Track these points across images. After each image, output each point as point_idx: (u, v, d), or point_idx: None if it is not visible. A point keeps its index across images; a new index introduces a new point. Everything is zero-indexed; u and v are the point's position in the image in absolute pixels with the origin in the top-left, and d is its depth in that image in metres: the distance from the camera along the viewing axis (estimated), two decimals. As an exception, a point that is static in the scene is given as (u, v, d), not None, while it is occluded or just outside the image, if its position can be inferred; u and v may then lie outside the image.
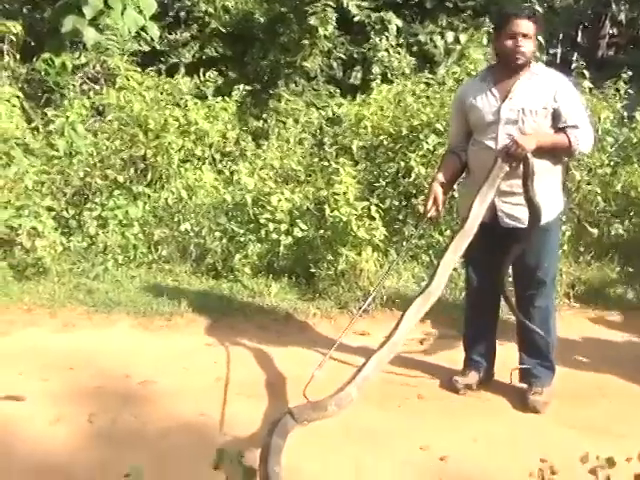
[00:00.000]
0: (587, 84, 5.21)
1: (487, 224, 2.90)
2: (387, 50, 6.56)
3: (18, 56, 6.46)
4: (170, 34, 8.09)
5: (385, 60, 6.51)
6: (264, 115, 6.61)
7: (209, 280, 4.53)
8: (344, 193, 4.36)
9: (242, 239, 4.58)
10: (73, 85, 6.20)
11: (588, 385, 3.30)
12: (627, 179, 5.09)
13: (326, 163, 5.10)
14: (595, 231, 4.91)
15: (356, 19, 7.57)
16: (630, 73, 5.47)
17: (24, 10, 8.18)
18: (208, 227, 4.73)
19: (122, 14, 6.99)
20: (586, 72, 5.28)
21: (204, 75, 6.30)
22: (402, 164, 4.90)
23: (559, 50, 10.47)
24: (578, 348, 3.76)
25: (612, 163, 5.24)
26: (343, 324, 3.71)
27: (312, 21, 7.07)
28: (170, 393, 3.06)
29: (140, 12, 7.22)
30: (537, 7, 6.06)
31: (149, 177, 5.15)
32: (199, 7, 8.07)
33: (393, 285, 4.39)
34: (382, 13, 7.52)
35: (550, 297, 3.14)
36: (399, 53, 6.49)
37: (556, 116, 2.87)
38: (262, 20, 7.97)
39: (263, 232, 4.54)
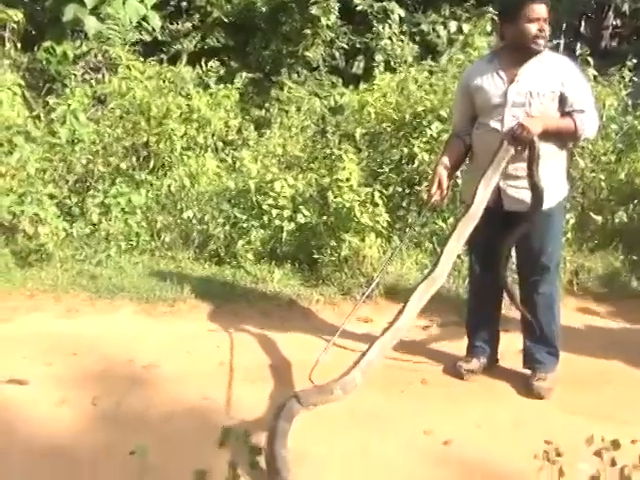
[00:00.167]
0: (592, 71, 5.18)
1: (491, 208, 2.89)
2: (390, 38, 6.52)
3: (19, 45, 6.43)
4: (172, 24, 8.02)
5: (388, 48, 6.48)
6: (266, 104, 6.57)
7: (212, 266, 4.51)
8: (347, 179, 4.35)
9: (245, 225, 4.57)
10: (74, 74, 6.18)
11: (592, 371, 3.29)
12: (631, 167, 5.09)
13: (329, 150, 5.07)
14: (599, 219, 4.90)
15: (359, 9, 7.53)
16: (635, 61, 5.46)
17: (25, -2, 8.14)
18: (211, 214, 4.72)
19: (123, 3, 6.96)
20: (590, 59, 5.26)
21: (206, 65, 6.27)
22: (405, 151, 4.87)
23: (562, 40, 10.42)
24: (582, 335, 3.76)
25: (616, 151, 5.23)
26: (346, 310, 3.71)
27: (314, 11, 7.03)
28: (174, 377, 3.06)
29: (141, 1, 7.19)
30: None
31: (152, 164, 5.12)
32: (201, -4, 8.03)
33: (396, 272, 4.38)
34: (385, 3, 7.48)
35: (554, 284, 3.12)
36: (402, 41, 6.44)
37: (563, 100, 2.85)
38: (264, 10, 7.91)
39: (266, 218, 4.53)
